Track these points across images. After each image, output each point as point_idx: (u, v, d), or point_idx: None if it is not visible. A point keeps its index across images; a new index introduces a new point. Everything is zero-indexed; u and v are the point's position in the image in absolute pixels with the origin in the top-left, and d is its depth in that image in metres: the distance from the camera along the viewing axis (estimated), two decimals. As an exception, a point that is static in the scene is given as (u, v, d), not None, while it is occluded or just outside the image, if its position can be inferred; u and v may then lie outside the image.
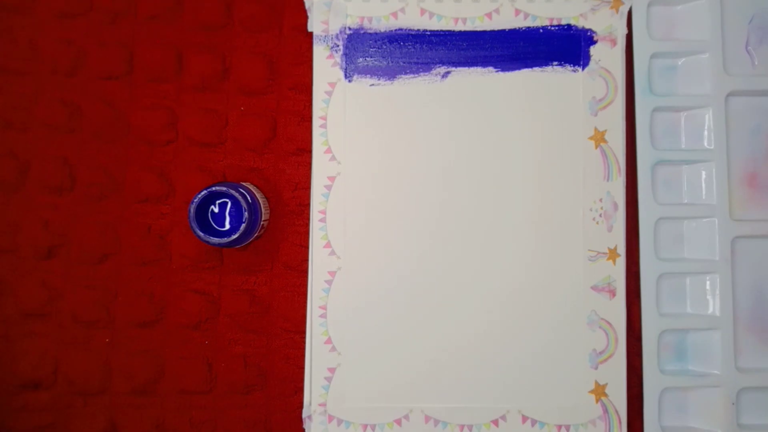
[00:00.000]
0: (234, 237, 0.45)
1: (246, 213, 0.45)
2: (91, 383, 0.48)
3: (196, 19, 0.51)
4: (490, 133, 0.50)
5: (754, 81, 0.50)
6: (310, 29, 0.50)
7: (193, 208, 0.45)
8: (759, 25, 0.51)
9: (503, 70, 0.50)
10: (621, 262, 0.49)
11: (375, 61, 0.50)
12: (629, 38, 0.50)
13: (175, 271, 0.50)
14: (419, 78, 0.50)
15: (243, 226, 0.45)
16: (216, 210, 0.47)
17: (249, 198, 0.46)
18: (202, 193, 0.45)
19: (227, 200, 0.47)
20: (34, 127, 0.50)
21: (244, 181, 0.50)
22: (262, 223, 0.47)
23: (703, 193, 0.51)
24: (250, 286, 0.49)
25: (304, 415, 0.48)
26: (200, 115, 0.50)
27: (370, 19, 0.50)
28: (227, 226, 0.47)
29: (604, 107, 0.50)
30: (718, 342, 0.49)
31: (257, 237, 0.48)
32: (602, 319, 0.49)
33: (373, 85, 0.50)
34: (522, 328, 0.49)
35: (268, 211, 0.49)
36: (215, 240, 0.45)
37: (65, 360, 0.49)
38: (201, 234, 0.45)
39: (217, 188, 0.45)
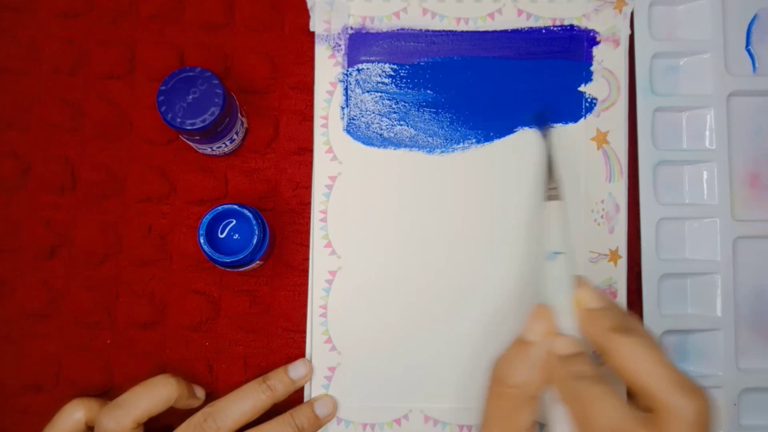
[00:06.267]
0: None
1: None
2: (93, 385, 0.48)
3: (197, 18, 0.51)
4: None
5: (756, 81, 0.50)
6: (312, 29, 0.50)
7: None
8: (761, 25, 0.51)
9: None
10: (622, 263, 0.49)
11: (377, 60, 0.50)
12: (630, 38, 0.50)
13: (176, 272, 0.49)
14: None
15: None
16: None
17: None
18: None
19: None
20: (36, 127, 0.50)
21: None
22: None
23: (705, 193, 0.51)
24: (250, 286, 0.49)
25: (305, 415, 0.48)
26: (201, 114, 0.50)
27: (372, 19, 0.50)
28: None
29: (607, 108, 0.50)
30: (719, 343, 0.49)
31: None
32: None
33: (374, 85, 0.50)
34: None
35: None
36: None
37: (67, 362, 0.49)
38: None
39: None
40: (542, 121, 0.49)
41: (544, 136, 0.48)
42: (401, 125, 0.50)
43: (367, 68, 0.50)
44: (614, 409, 0.34)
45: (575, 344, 0.38)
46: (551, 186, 0.44)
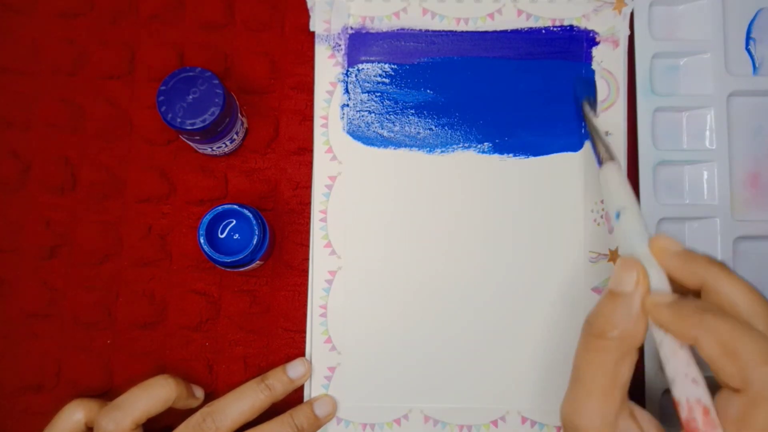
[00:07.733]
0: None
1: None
2: (93, 385, 0.48)
3: (197, 18, 0.51)
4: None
5: (756, 81, 0.50)
6: (312, 29, 0.50)
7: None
8: (761, 25, 0.51)
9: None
10: (622, 263, 0.49)
11: (377, 60, 0.50)
12: (630, 38, 0.50)
13: (176, 272, 0.50)
14: (421, 78, 0.50)
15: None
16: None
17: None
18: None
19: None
20: (36, 127, 0.50)
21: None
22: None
23: (705, 193, 0.51)
24: (250, 286, 0.49)
25: (305, 415, 0.48)
26: (201, 114, 0.50)
27: (372, 19, 0.50)
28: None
29: (606, 108, 0.50)
30: (719, 343, 0.49)
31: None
32: (603, 320, 0.48)
33: (374, 85, 0.50)
34: (522, 329, 0.49)
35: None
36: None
37: (67, 362, 0.49)
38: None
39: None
40: (586, 92, 0.48)
41: (587, 105, 0.48)
42: (401, 125, 0.50)
43: (367, 68, 0.50)
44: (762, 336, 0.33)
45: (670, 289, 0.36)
46: (600, 150, 0.43)
